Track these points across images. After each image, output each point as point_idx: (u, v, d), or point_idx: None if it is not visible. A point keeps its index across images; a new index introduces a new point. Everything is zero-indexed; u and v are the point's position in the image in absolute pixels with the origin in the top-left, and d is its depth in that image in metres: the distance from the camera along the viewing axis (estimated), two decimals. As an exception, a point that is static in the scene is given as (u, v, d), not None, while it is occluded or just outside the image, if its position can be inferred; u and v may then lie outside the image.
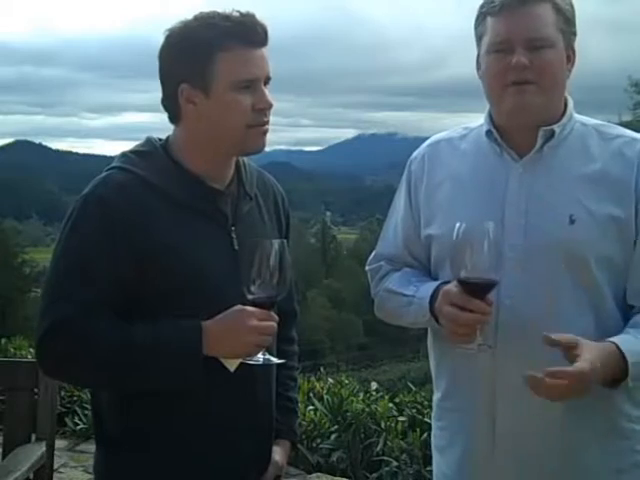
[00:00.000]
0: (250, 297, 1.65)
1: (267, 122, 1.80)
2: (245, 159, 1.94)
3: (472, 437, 1.93)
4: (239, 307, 1.67)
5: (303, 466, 4.67)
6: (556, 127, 1.89)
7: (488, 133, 1.94)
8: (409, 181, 2.08)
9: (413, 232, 2.04)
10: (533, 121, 1.88)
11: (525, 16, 1.82)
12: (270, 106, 1.78)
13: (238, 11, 1.75)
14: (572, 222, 1.84)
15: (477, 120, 2.07)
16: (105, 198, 1.71)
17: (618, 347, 1.77)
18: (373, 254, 2.16)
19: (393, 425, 4.81)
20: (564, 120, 1.91)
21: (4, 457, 2.68)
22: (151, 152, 1.81)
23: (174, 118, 1.83)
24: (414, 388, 6.03)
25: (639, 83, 26.74)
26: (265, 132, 1.80)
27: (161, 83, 1.81)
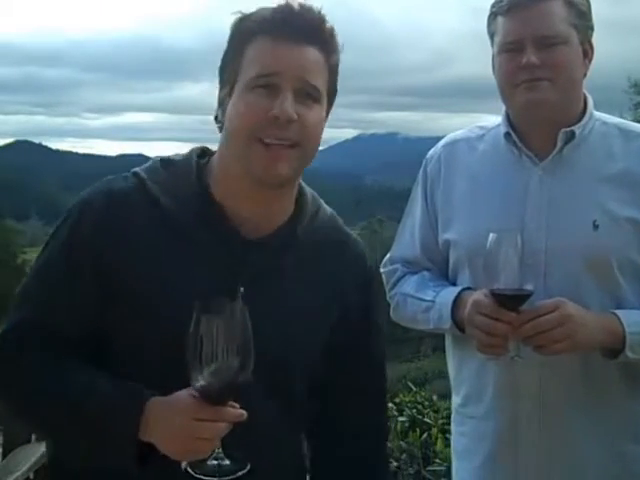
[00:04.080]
0: (196, 385, 1.24)
1: (284, 142, 1.38)
2: (320, 205, 1.56)
3: (494, 445, 1.90)
4: (180, 394, 1.29)
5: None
6: (576, 128, 1.83)
7: (506, 135, 1.89)
8: (425, 182, 2.02)
9: (431, 235, 1.99)
10: (548, 117, 1.82)
11: (534, 14, 1.78)
12: (289, 117, 1.37)
13: (293, 1, 1.42)
14: (595, 227, 1.79)
15: (487, 119, 2.03)
16: (87, 209, 1.44)
17: (617, 317, 1.76)
18: (388, 256, 2.11)
19: (393, 425, 4.80)
20: (584, 120, 1.85)
21: (4, 457, 2.68)
22: (182, 165, 1.49)
23: (220, 129, 1.49)
24: (414, 388, 6.03)
25: (638, 84, 26.71)
26: (276, 156, 1.39)
27: None
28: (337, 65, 1.47)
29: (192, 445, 1.28)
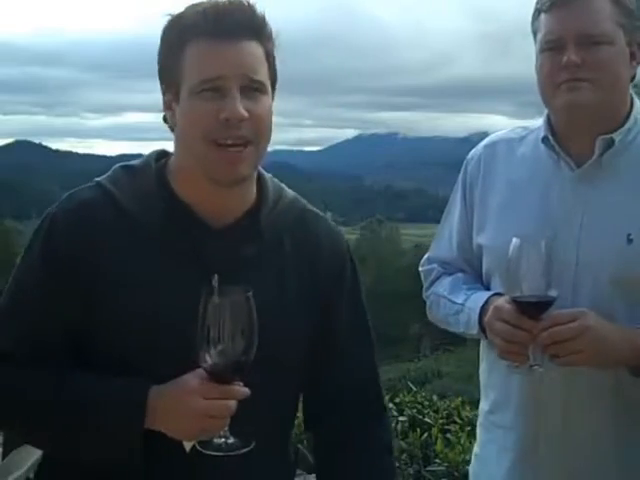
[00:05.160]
0: (204, 365, 1.32)
1: (241, 142, 1.40)
2: (281, 190, 1.59)
3: (518, 456, 1.86)
4: (187, 377, 1.35)
5: (304, 466, 4.66)
6: (616, 135, 1.74)
7: (544, 139, 1.81)
8: (465, 183, 1.97)
9: (467, 238, 1.95)
10: (588, 121, 1.74)
11: (577, 11, 1.70)
12: (240, 117, 1.38)
13: (219, 2, 1.41)
14: (630, 242, 1.71)
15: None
16: (57, 221, 1.46)
17: None
18: (427, 256, 2.08)
19: (393, 425, 4.80)
20: (627, 126, 1.76)
21: (4, 457, 2.68)
22: (142, 169, 1.53)
23: (171, 129, 1.52)
24: (414, 388, 6.03)
25: (638, 84, 26.73)
26: (233, 159, 1.41)
27: None
28: (273, 50, 1.47)
29: (205, 423, 1.34)
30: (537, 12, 1.78)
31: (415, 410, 5.05)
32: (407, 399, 5.38)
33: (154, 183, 1.49)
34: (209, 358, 1.30)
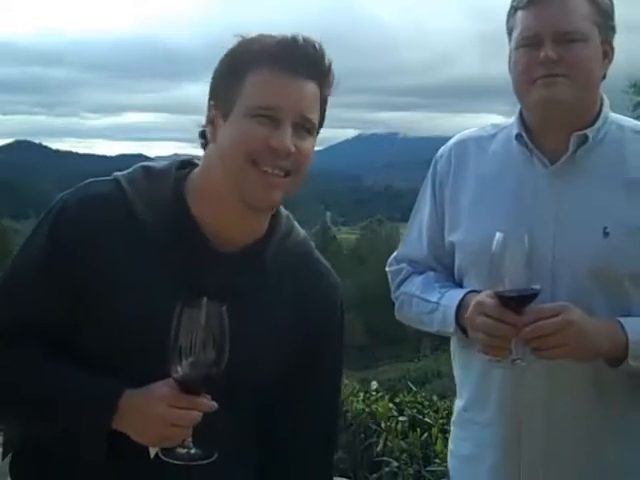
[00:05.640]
0: (174, 375, 1.34)
1: (279, 172, 1.44)
2: (292, 228, 1.61)
3: (498, 452, 1.87)
4: (157, 384, 1.38)
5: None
6: (589, 132, 1.78)
7: (518, 136, 1.83)
8: (434, 181, 1.98)
9: (438, 235, 1.95)
10: (563, 117, 1.77)
11: (555, 8, 1.73)
12: (287, 150, 1.42)
13: (296, 35, 1.45)
14: (606, 235, 1.74)
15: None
16: (68, 208, 1.48)
17: (622, 325, 1.71)
18: (394, 255, 2.07)
19: (393, 425, 4.80)
20: (599, 123, 1.80)
21: (4, 457, 2.67)
22: (162, 174, 1.54)
23: (203, 146, 1.55)
24: (414, 388, 6.03)
25: (638, 84, 26.68)
26: (271, 185, 1.44)
27: None
28: (328, 97, 1.53)
29: (166, 431, 1.37)
30: (513, 9, 1.80)
31: (415, 410, 5.06)
32: (407, 399, 5.38)
33: (170, 192, 1.50)
34: (179, 368, 1.33)
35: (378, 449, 4.70)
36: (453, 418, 2.07)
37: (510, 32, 1.82)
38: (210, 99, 1.50)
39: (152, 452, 1.42)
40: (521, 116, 1.86)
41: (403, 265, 2.03)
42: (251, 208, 1.47)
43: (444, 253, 1.95)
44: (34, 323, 1.47)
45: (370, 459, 4.72)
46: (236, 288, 1.48)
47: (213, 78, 1.51)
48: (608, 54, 1.81)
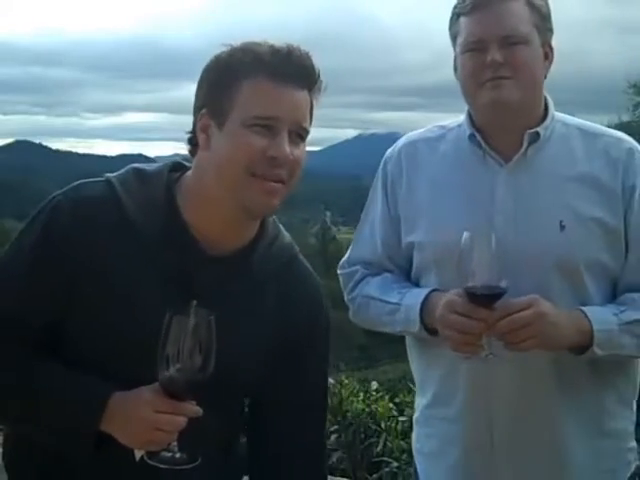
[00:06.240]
0: (161, 379, 1.38)
1: (277, 179, 1.47)
2: (278, 232, 1.64)
3: (468, 446, 1.90)
4: (144, 388, 1.41)
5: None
6: (540, 129, 1.85)
7: (471, 137, 1.88)
8: (385, 182, 2.01)
9: (393, 236, 1.97)
10: (513, 116, 1.83)
11: (497, 13, 1.79)
12: (285, 158, 1.46)
13: (289, 45, 1.49)
14: (562, 228, 1.80)
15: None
16: (60, 209, 1.49)
17: (585, 314, 1.78)
18: (346, 257, 2.08)
19: (393, 425, 4.81)
20: (547, 121, 1.87)
21: (4, 457, 2.67)
22: (153, 177, 1.56)
23: (192, 152, 1.57)
24: (414, 388, 6.02)
25: (637, 84, 26.68)
26: (271, 191, 1.47)
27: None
28: (314, 102, 1.56)
29: (151, 435, 1.39)
30: (456, 16, 1.87)
31: (415, 410, 5.06)
32: (407, 399, 5.38)
33: (161, 195, 1.52)
34: (166, 373, 1.36)
35: (378, 449, 4.71)
36: (415, 416, 2.10)
37: (454, 38, 1.88)
38: (201, 107, 1.52)
39: (137, 455, 1.45)
40: (470, 117, 1.91)
41: (357, 267, 2.04)
42: (250, 215, 1.51)
43: (399, 253, 1.97)
44: (22, 320, 1.48)
45: (370, 459, 4.72)
46: (225, 292, 1.51)
47: (203, 86, 1.53)
48: (548, 55, 1.87)
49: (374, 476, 4.62)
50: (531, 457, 1.87)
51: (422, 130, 2.05)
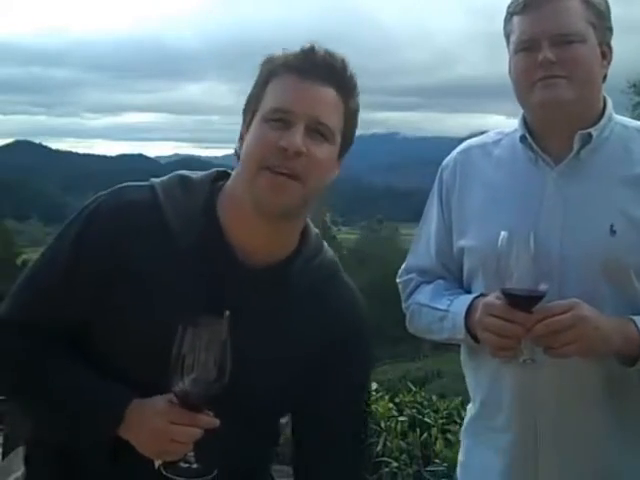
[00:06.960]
0: (175, 390, 1.34)
1: (287, 173, 1.42)
2: (321, 247, 1.59)
3: (514, 455, 1.85)
4: (159, 397, 1.38)
5: None
6: (593, 130, 1.79)
7: (522, 138, 1.84)
8: (441, 190, 1.98)
9: (446, 244, 1.95)
10: (565, 117, 1.78)
11: (550, 11, 1.75)
12: (297, 150, 1.41)
13: (314, 44, 1.47)
14: (613, 233, 1.74)
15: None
16: (101, 212, 1.49)
17: (635, 323, 1.70)
18: (404, 266, 2.05)
19: (393, 425, 4.81)
20: (602, 122, 1.81)
21: (4, 457, 2.68)
22: (197, 186, 1.53)
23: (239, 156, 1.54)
24: (414, 388, 6.04)
25: (637, 84, 26.69)
26: (279, 185, 1.42)
27: None
28: (356, 112, 1.52)
29: (167, 446, 1.37)
30: (509, 15, 1.82)
31: (415, 410, 5.07)
32: (407, 399, 5.39)
33: (201, 204, 1.50)
34: (181, 384, 1.33)
35: (378, 449, 4.71)
36: (463, 427, 2.05)
37: (508, 37, 1.84)
38: (244, 110, 1.52)
39: (157, 463, 1.41)
40: (524, 119, 1.87)
41: (412, 275, 2.02)
42: (263, 214, 1.45)
43: (452, 260, 1.94)
44: (54, 318, 1.48)
45: (370, 459, 4.72)
46: (255, 305, 1.47)
47: (246, 99, 1.53)
48: (606, 55, 1.81)
49: (374, 476, 4.62)
50: (578, 474, 1.81)
51: (480, 136, 2.02)
